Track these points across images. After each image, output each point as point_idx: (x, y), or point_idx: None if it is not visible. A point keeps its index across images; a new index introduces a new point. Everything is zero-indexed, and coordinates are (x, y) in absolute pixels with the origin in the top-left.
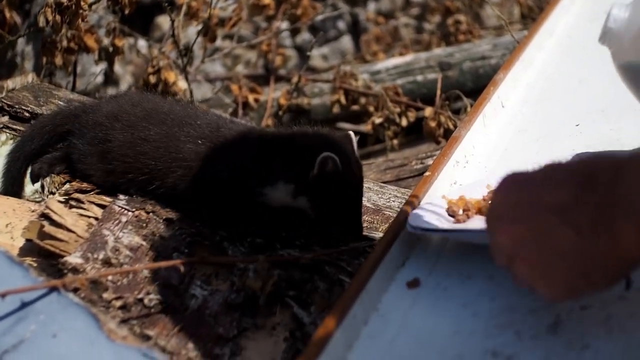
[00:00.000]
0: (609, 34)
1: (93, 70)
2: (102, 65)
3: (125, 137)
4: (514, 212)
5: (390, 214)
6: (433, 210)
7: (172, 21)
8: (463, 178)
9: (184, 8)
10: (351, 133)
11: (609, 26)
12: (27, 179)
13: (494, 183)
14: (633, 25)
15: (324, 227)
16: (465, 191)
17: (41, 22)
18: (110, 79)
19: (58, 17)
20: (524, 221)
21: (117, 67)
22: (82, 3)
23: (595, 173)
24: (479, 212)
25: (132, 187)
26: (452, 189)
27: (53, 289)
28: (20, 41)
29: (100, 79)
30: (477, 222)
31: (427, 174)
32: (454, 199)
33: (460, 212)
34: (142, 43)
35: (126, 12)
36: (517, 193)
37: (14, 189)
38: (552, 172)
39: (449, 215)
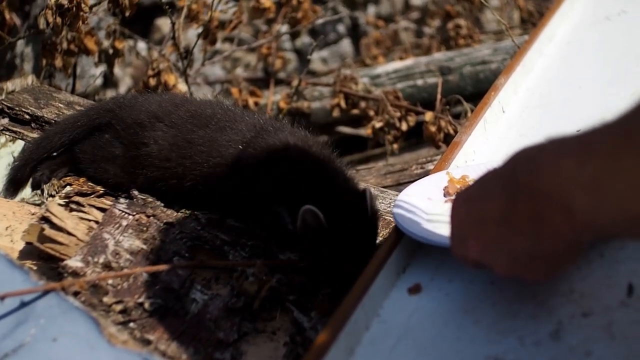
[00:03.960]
0: None
1: (92, 72)
2: (102, 68)
3: (167, 138)
4: (468, 230)
5: (391, 219)
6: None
7: (173, 24)
8: None
9: (185, 11)
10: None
11: None
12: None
13: None
14: None
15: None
16: (470, 171)
17: (42, 24)
18: (109, 81)
19: (59, 19)
20: (478, 237)
21: (117, 70)
22: (82, 5)
23: (515, 170)
24: None
25: (156, 187)
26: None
27: (53, 292)
28: (20, 43)
29: (99, 81)
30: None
31: None
32: (456, 177)
33: (454, 196)
34: (141, 45)
35: (127, 14)
36: (464, 211)
37: (22, 176)
38: (485, 183)
39: (444, 195)
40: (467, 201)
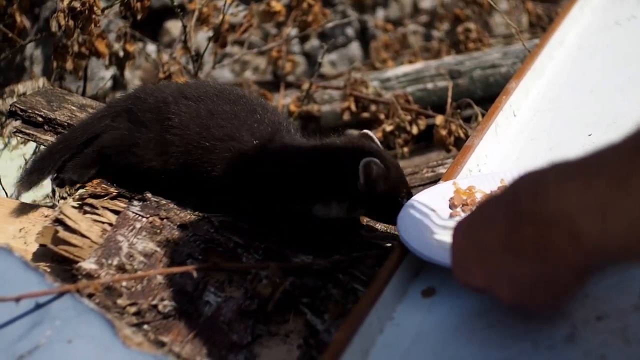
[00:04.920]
0: None
1: (101, 74)
2: (111, 70)
3: (189, 109)
4: (471, 258)
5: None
6: (424, 211)
7: (184, 27)
8: None
9: (196, 14)
10: (367, 131)
11: None
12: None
13: (507, 177)
14: None
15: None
16: (477, 182)
17: (53, 27)
18: (119, 83)
19: (71, 22)
20: (481, 265)
21: (126, 72)
22: (95, 8)
23: (518, 196)
24: None
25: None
26: (467, 176)
27: (68, 294)
28: (30, 45)
29: (109, 83)
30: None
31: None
32: (462, 187)
33: (459, 207)
34: (151, 48)
35: (138, 17)
36: (466, 239)
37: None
38: (486, 210)
39: (450, 206)
40: (469, 229)
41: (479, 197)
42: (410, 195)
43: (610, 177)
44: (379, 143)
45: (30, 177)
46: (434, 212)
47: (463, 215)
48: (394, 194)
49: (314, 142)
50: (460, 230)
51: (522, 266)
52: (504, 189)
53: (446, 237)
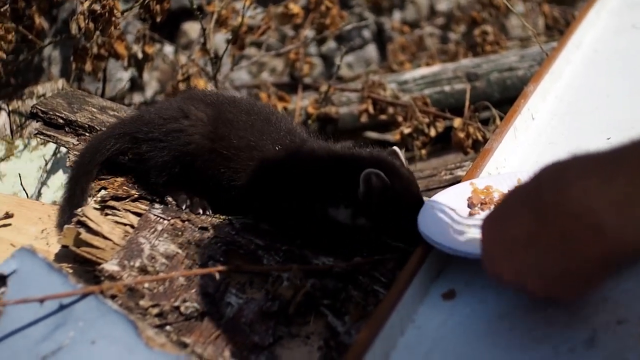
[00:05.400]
0: None
1: (119, 75)
2: (130, 71)
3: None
4: (499, 251)
5: None
6: (444, 210)
7: (203, 29)
8: None
9: (215, 16)
10: (396, 148)
11: None
12: None
13: (524, 177)
14: None
15: (385, 238)
16: (494, 181)
17: (73, 29)
18: (136, 84)
19: (91, 25)
20: (509, 259)
21: (144, 73)
22: (115, 11)
23: (541, 189)
24: None
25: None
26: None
27: (91, 295)
28: (48, 47)
29: (127, 84)
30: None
31: None
32: (480, 187)
33: (478, 207)
34: (168, 49)
35: (157, 20)
36: (493, 234)
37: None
38: (511, 203)
39: (468, 205)
40: (495, 223)
41: (496, 196)
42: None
43: (631, 172)
44: (404, 160)
45: (66, 215)
46: (454, 210)
47: (482, 214)
48: (395, 209)
49: (336, 147)
50: (487, 223)
51: (548, 259)
52: (528, 182)
53: (467, 233)
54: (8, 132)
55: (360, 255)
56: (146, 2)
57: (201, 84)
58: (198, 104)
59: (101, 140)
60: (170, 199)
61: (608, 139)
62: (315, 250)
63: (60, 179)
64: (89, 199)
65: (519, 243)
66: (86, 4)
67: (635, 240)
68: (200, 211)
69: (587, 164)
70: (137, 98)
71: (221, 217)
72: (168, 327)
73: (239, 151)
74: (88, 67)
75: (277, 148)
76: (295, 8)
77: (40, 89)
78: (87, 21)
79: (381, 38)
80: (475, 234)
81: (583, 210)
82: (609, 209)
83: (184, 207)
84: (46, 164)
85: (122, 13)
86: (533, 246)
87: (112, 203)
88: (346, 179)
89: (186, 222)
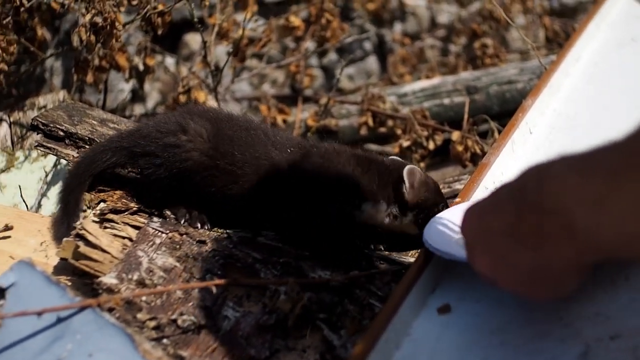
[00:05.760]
0: None
1: (120, 87)
2: (132, 83)
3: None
4: (478, 242)
5: None
6: (449, 225)
7: (204, 42)
8: None
9: (216, 28)
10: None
11: None
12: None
13: None
14: None
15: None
16: None
17: (75, 41)
18: (137, 96)
19: (93, 37)
20: (486, 250)
21: (146, 85)
22: (116, 23)
23: (525, 185)
24: None
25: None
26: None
27: (89, 308)
28: (49, 58)
29: (128, 96)
30: None
31: (457, 199)
32: None
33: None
34: (170, 61)
35: (159, 32)
36: (475, 224)
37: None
38: (496, 196)
39: None
40: (478, 213)
41: None
42: (446, 206)
43: (607, 173)
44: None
45: (63, 226)
46: (457, 226)
47: None
48: (433, 205)
49: (359, 151)
50: (469, 213)
51: (522, 254)
52: (514, 178)
53: None
54: (9, 143)
55: (359, 267)
56: (148, 14)
57: (202, 96)
58: (197, 118)
59: (97, 153)
60: (168, 212)
61: None
62: (317, 260)
63: None
64: (89, 212)
65: (497, 234)
66: (88, 17)
67: (605, 242)
68: (199, 225)
69: (570, 162)
70: (138, 109)
71: (219, 230)
72: (165, 340)
73: (245, 164)
74: (89, 78)
75: (287, 152)
76: (296, 20)
77: (41, 100)
78: (88, 34)
79: (382, 50)
80: None
81: (558, 208)
82: (581, 208)
83: (182, 221)
84: (46, 176)
85: (124, 26)
86: (510, 239)
87: (110, 216)
88: (386, 177)
89: (184, 236)
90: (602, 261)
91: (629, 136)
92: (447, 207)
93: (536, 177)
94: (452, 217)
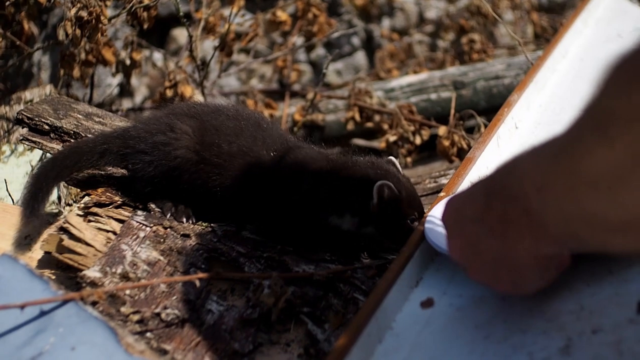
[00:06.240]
0: None
1: (108, 81)
2: (118, 78)
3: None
4: (453, 228)
5: None
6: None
7: (190, 36)
8: None
9: (202, 23)
10: (392, 158)
11: None
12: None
13: None
14: None
15: (387, 242)
16: None
17: (61, 35)
18: (125, 90)
19: (78, 31)
20: (458, 235)
21: (133, 79)
22: (102, 17)
23: (496, 176)
24: None
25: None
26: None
27: (72, 301)
28: (37, 52)
29: (115, 90)
30: None
31: (441, 194)
32: None
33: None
34: (157, 55)
35: (145, 26)
36: (451, 212)
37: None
38: (472, 187)
39: None
40: (454, 203)
41: None
42: (420, 217)
43: (550, 155)
44: (400, 170)
45: (28, 208)
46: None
47: None
48: (403, 217)
49: (335, 156)
50: (449, 202)
51: (489, 242)
52: (490, 172)
53: None
54: None
55: (358, 258)
56: (133, 9)
57: (189, 90)
58: (182, 117)
59: (83, 153)
60: (153, 205)
61: None
62: (303, 256)
63: None
64: (73, 205)
65: (469, 221)
66: (73, 11)
67: (553, 225)
68: (184, 219)
69: (534, 151)
70: (126, 104)
71: (203, 224)
72: (148, 334)
73: (231, 157)
74: (76, 73)
75: (271, 154)
76: (283, 15)
77: (27, 94)
78: (74, 28)
79: (370, 45)
80: None
81: (518, 192)
82: (533, 192)
83: (168, 215)
84: (32, 170)
85: (110, 20)
86: (480, 226)
87: (95, 210)
88: (355, 190)
89: (168, 230)
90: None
91: (572, 121)
92: (422, 216)
93: (505, 168)
94: (437, 213)
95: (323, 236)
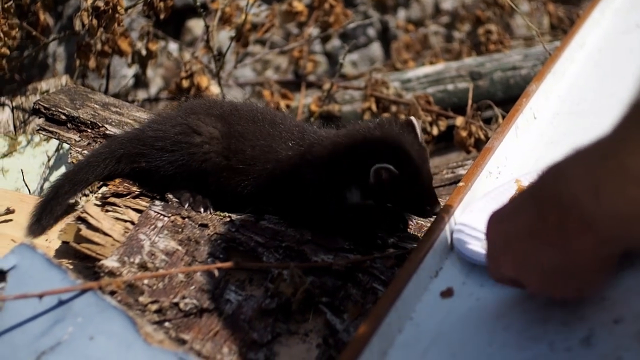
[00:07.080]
0: None
1: (123, 72)
2: (134, 68)
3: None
4: (501, 244)
5: (424, 222)
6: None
7: (207, 27)
8: None
9: (218, 13)
10: (413, 118)
11: None
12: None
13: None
14: None
15: (397, 216)
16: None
17: (77, 25)
18: (140, 81)
19: (94, 21)
20: (509, 252)
21: (148, 70)
22: (118, 7)
23: (543, 183)
24: None
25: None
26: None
27: (90, 291)
28: (52, 42)
29: (131, 81)
30: None
31: (460, 184)
32: (525, 184)
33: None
34: (173, 46)
35: (161, 17)
36: (497, 229)
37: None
38: (517, 200)
39: None
40: (500, 219)
41: None
42: (429, 189)
43: (600, 158)
44: (419, 132)
45: (40, 222)
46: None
47: None
48: (405, 193)
49: (347, 131)
50: (492, 220)
51: (547, 253)
52: (533, 181)
53: None
54: (11, 128)
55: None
56: None
57: (205, 81)
58: (204, 117)
59: (98, 163)
60: (171, 196)
61: None
62: (322, 245)
63: None
64: (91, 195)
65: (520, 236)
66: (90, 1)
67: (611, 227)
68: (202, 209)
69: (578, 155)
70: (141, 95)
71: (221, 214)
72: (167, 324)
73: (254, 160)
74: (92, 63)
75: (289, 145)
76: (299, 6)
77: (43, 85)
78: (90, 18)
79: (386, 36)
80: None
81: (571, 200)
82: (587, 197)
83: (186, 205)
84: (49, 160)
85: (126, 10)
86: (533, 240)
87: (112, 200)
88: (357, 167)
89: (186, 219)
90: (623, 251)
91: (619, 120)
92: (429, 186)
93: (552, 175)
94: (472, 222)
95: (343, 216)
